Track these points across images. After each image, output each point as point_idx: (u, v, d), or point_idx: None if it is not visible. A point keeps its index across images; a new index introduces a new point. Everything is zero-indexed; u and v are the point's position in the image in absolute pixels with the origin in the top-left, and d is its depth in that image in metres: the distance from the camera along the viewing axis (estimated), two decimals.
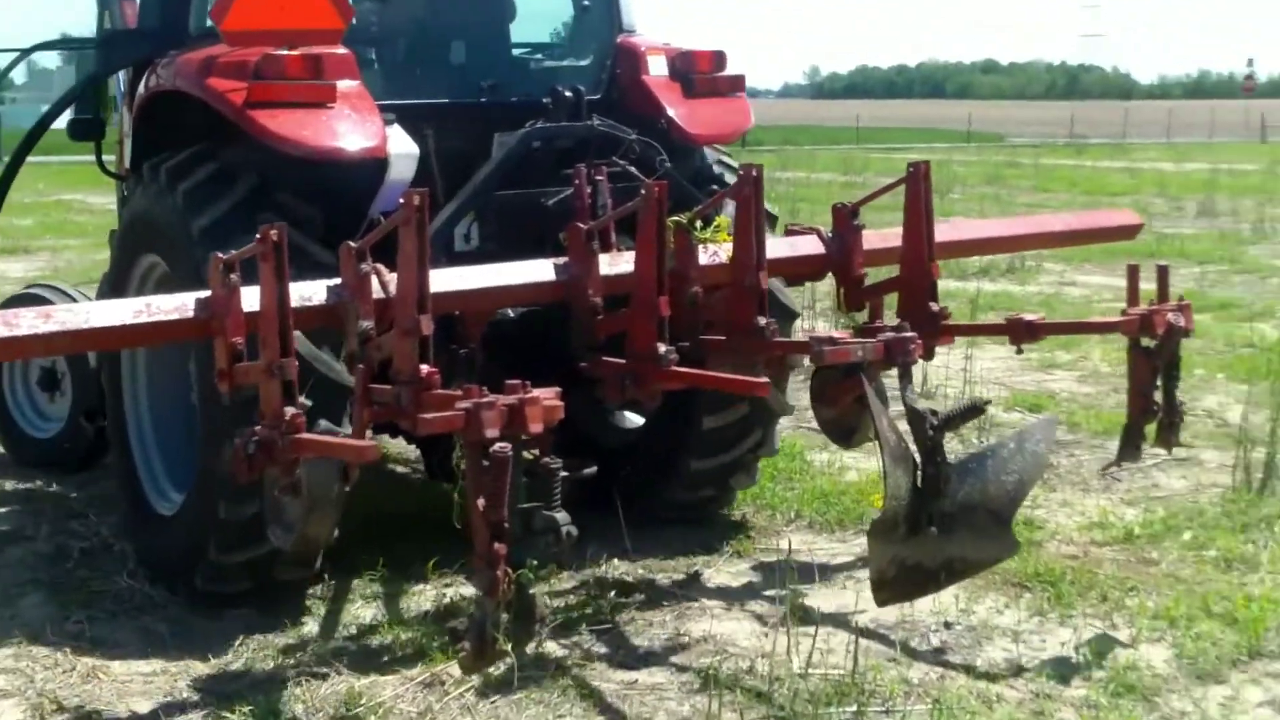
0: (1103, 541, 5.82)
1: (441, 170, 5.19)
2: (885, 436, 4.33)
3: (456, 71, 5.72)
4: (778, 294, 5.36)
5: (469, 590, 5.08)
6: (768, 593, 5.21)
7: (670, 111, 5.57)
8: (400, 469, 6.96)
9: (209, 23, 5.24)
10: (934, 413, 4.48)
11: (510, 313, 5.16)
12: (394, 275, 4.06)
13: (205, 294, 4.15)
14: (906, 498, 4.36)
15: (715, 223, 4.94)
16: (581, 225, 4.72)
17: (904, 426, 4.56)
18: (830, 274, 5.29)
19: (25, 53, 7.04)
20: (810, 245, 5.22)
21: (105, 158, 6.70)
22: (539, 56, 6.19)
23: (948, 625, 4.86)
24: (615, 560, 5.43)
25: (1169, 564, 5.52)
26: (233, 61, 4.89)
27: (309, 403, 4.03)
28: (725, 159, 5.87)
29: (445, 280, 4.33)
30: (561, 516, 3.95)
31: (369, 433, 4.21)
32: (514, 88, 5.74)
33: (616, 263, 4.76)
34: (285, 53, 4.82)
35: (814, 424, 7.08)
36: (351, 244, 4.20)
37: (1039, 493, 6.22)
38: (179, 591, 5.08)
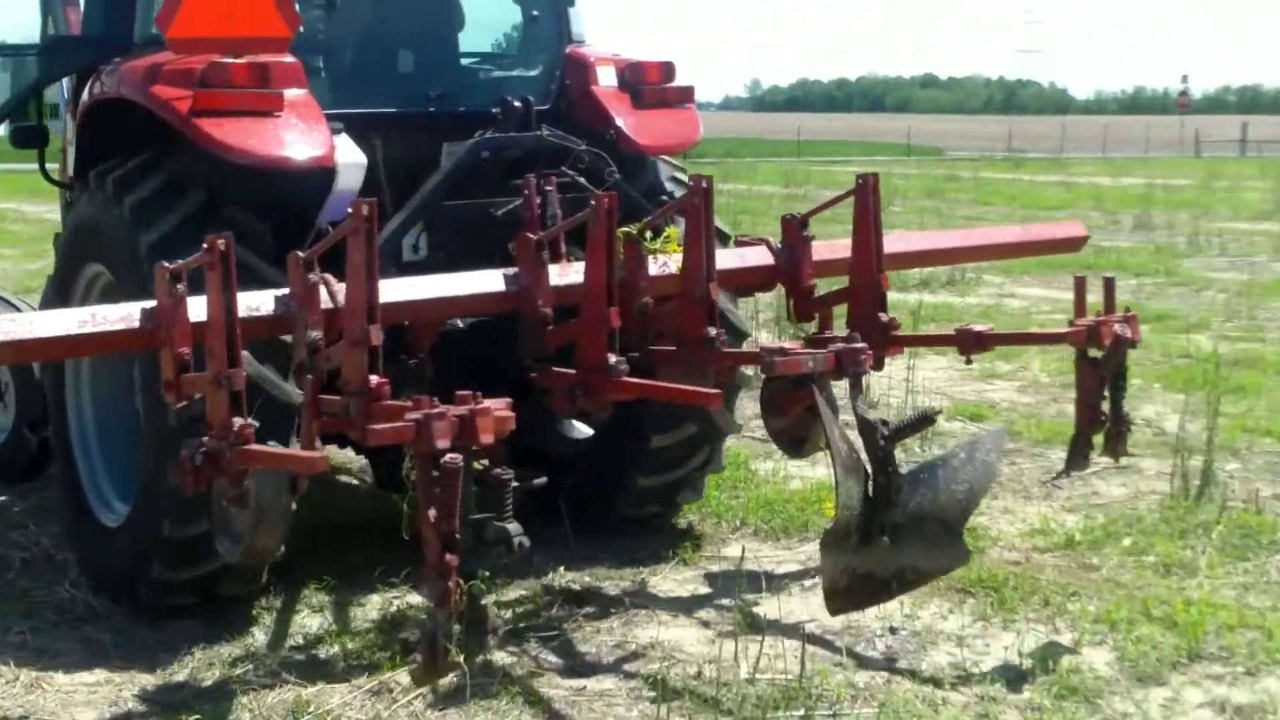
0: (1044, 548, 5.90)
1: (389, 180, 5.18)
2: (837, 447, 4.35)
3: (405, 81, 5.69)
4: (729, 315, 5.39)
5: (416, 599, 5.07)
6: (714, 600, 5.25)
7: (619, 122, 5.58)
8: (345, 478, 6.92)
9: (154, 30, 5.19)
10: (885, 423, 4.50)
11: (459, 323, 5.16)
12: (343, 285, 4.03)
13: (151, 304, 4.10)
14: (858, 508, 4.38)
15: (665, 233, 4.95)
16: (531, 236, 4.72)
17: (855, 436, 4.59)
18: (779, 285, 5.32)
19: None
20: (759, 256, 5.25)
21: (48, 165, 6.63)
22: (488, 66, 6.18)
23: (893, 630, 4.92)
24: (562, 569, 5.44)
25: (1109, 569, 5.61)
26: (178, 69, 4.85)
27: (256, 423, 4.00)
28: (675, 170, 5.89)
29: (395, 290, 4.31)
30: (513, 527, 3.95)
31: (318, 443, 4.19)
32: (462, 98, 5.74)
33: (566, 273, 4.76)
34: (232, 61, 4.78)
35: (759, 434, 7.17)
36: (300, 254, 4.18)
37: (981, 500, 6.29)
38: (122, 602, 5.03)
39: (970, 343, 5.04)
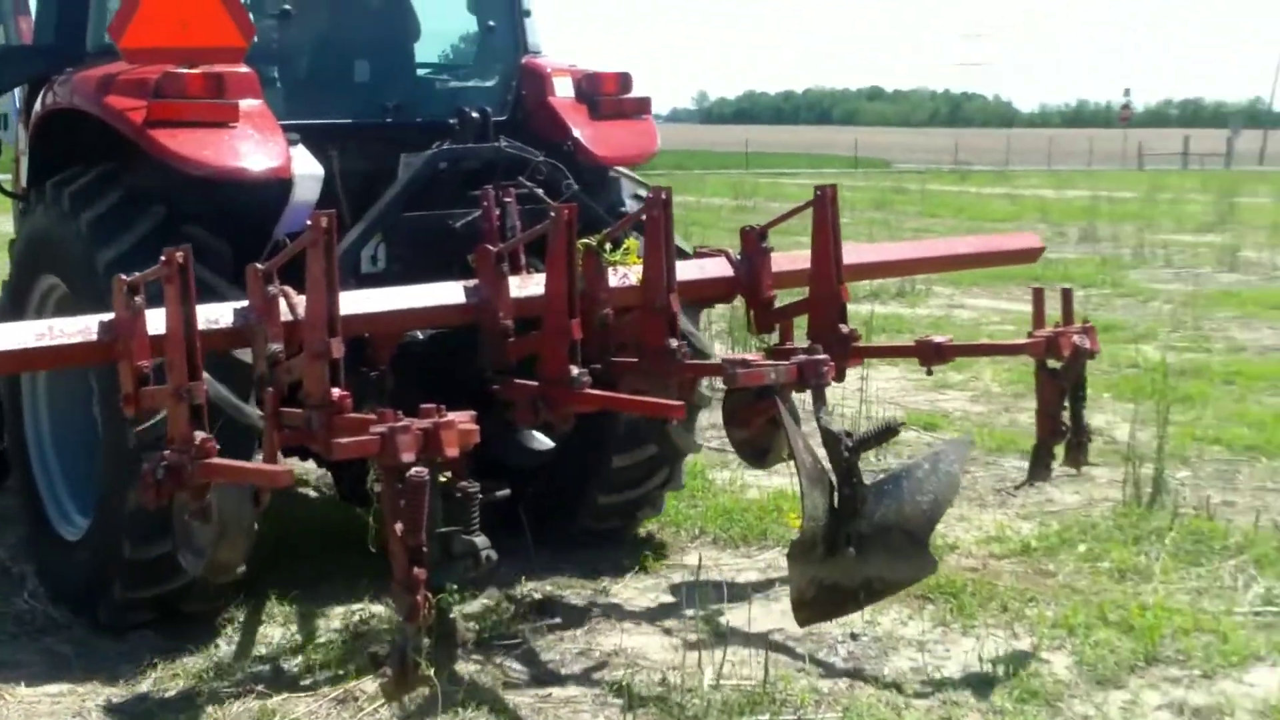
0: (1001, 554, 5.96)
1: (346, 191, 5.14)
2: (801, 458, 4.35)
3: (361, 91, 5.67)
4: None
5: (380, 610, 5.06)
6: (676, 608, 5.26)
7: (577, 133, 5.58)
8: (304, 490, 6.88)
9: (107, 39, 5.14)
10: (849, 434, 4.52)
11: (419, 335, 5.14)
12: (302, 297, 4.01)
13: (109, 317, 4.06)
14: (824, 519, 4.39)
15: (625, 245, 4.95)
16: (491, 247, 4.70)
17: (818, 448, 4.60)
18: (738, 296, 5.32)
19: None
20: (719, 268, 5.25)
21: (1, 176, 6.55)
22: (444, 77, 6.16)
23: (854, 637, 4.95)
24: (524, 578, 5.44)
25: (1065, 575, 5.67)
26: (132, 79, 4.81)
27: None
28: (633, 182, 5.87)
29: (355, 302, 4.29)
30: (481, 540, 3.94)
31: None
32: (419, 108, 5.72)
33: (526, 285, 4.75)
34: (186, 71, 4.74)
35: (715, 443, 7.20)
36: (258, 266, 4.15)
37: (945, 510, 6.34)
38: (82, 615, 4.99)
39: (930, 354, 5.08)
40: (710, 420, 5.74)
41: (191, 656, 4.70)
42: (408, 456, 3.55)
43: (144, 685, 4.50)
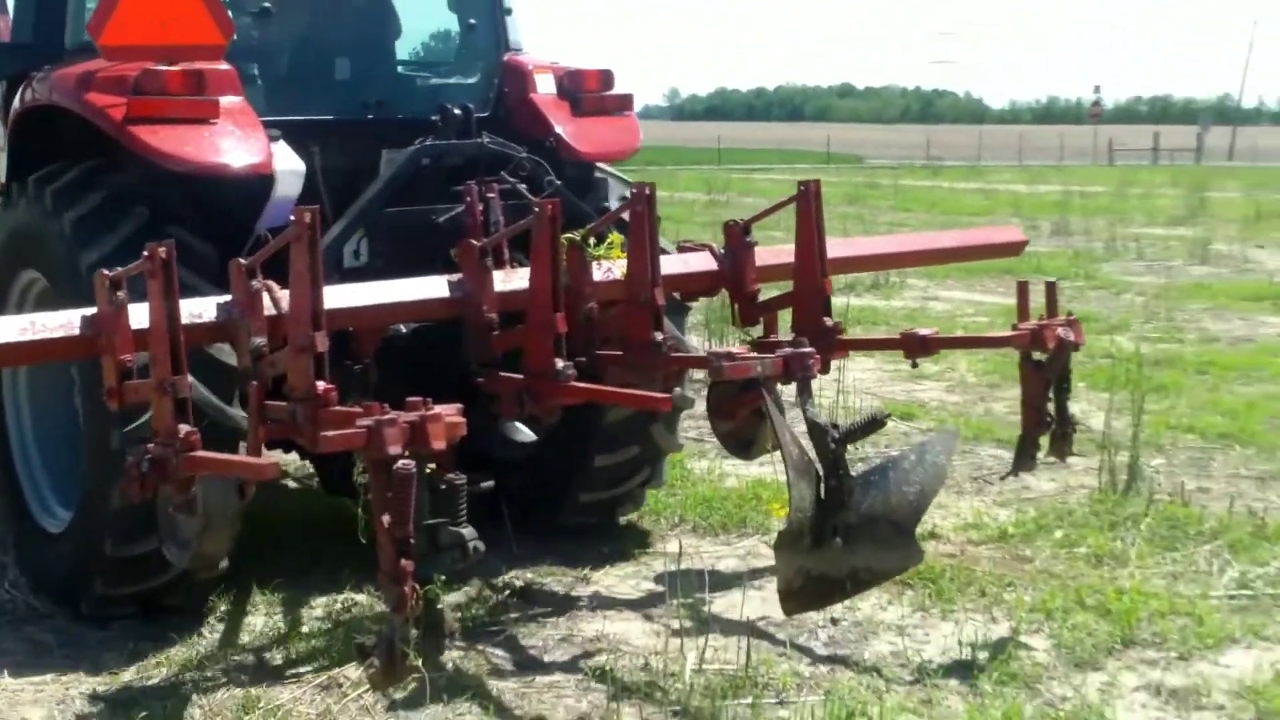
0: (979, 541, 6.02)
1: (328, 187, 5.15)
2: (788, 450, 4.35)
3: (342, 88, 5.67)
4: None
5: (362, 598, 5.10)
6: (657, 595, 5.31)
7: (559, 129, 5.60)
8: (284, 480, 6.89)
9: (85, 37, 5.14)
10: (835, 426, 4.52)
11: (403, 328, 5.16)
12: (285, 292, 4.02)
13: (91, 311, 4.06)
14: (811, 510, 4.40)
15: (608, 239, 4.97)
16: (474, 242, 4.72)
17: (804, 439, 4.62)
18: (722, 290, 5.33)
19: None
20: (703, 262, 5.27)
21: None
22: (425, 74, 6.15)
23: (834, 621, 4.99)
24: (505, 566, 5.47)
25: (1043, 561, 5.73)
26: (111, 76, 4.81)
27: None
28: (616, 177, 5.88)
29: (339, 296, 4.30)
30: (468, 532, 3.93)
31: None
32: (401, 105, 5.73)
33: (510, 279, 4.77)
34: (166, 68, 4.74)
35: (692, 433, 7.24)
36: (241, 261, 4.17)
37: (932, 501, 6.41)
38: (64, 606, 5.00)
39: (915, 346, 5.10)
40: (688, 411, 5.78)
41: (175, 645, 4.72)
42: (394, 449, 3.56)
43: (127, 674, 4.51)
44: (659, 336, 4.73)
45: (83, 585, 4.83)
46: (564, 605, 5.20)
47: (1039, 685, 4.45)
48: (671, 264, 5.12)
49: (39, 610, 5.06)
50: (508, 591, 5.28)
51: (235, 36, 5.08)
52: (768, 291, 5.36)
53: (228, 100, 4.82)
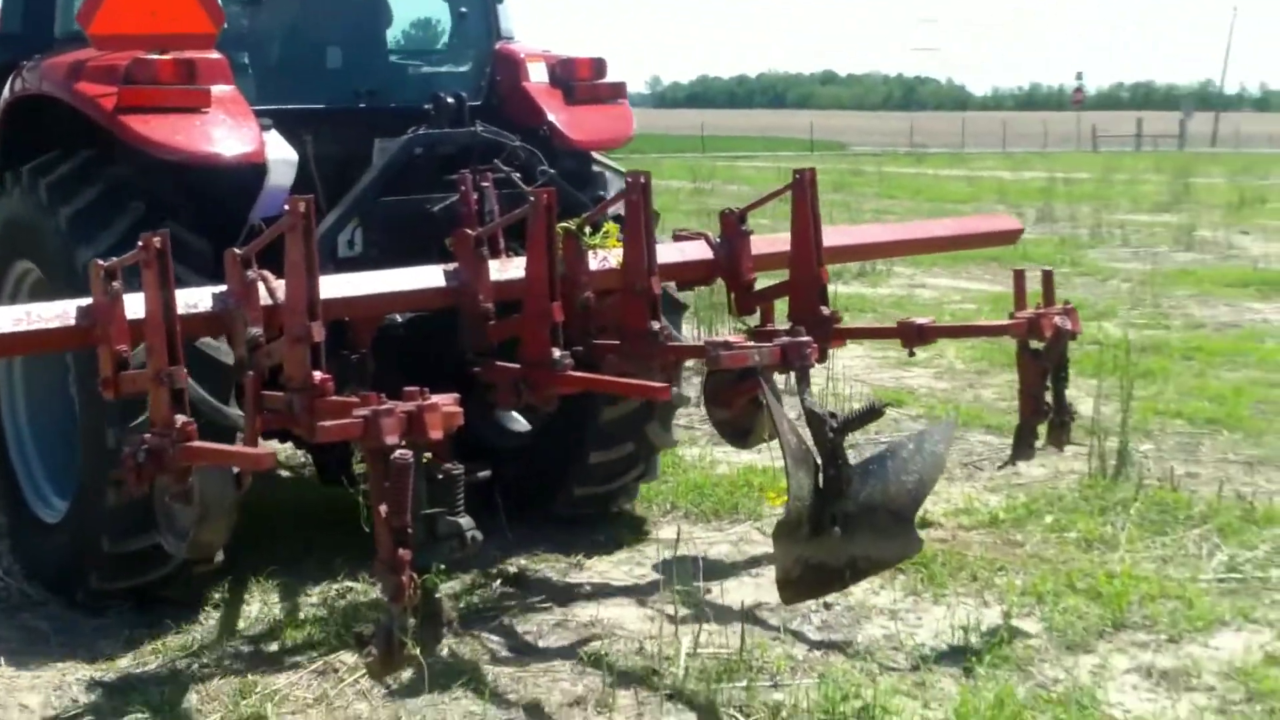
0: (969, 526, 6.06)
1: (321, 176, 5.15)
2: (786, 439, 4.34)
3: (334, 77, 5.65)
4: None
5: (357, 585, 5.12)
6: (650, 580, 5.33)
7: (552, 118, 5.59)
8: (279, 469, 6.90)
9: (75, 26, 5.12)
10: (833, 415, 4.52)
11: (398, 318, 5.16)
12: (281, 282, 4.01)
13: (87, 302, 4.05)
14: (809, 499, 4.39)
15: (604, 228, 4.96)
16: (469, 231, 4.72)
17: (802, 428, 4.62)
18: (719, 279, 5.33)
19: None
20: (699, 250, 5.27)
21: None
22: (417, 63, 6.13)
23: (827, 606, 5.01)
24: (498, 553, 5.49)
25: (1033, 545, 5.77)
26: (102, 66, 4.79)
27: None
28: (610, 166, 5.87)
29: (335, 286, 4.30)
30: (465, 521, 3.94)
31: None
32: (393, 94, 5.71)
33: (506, 268, 4.76)
34: (156, 57, 4.73)
35: (683, 421, 7.26)
36: (236, 250, 4.16)
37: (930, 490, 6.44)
38: (58, 594, 5.01)
39: (912, 335, 5.12)
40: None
41: (170, 632, 4.73)
42: (392, 439, 3.55)
43: (124, 661, 4.53)
44: (655, 326, 4.73)
45: (78, 578, 4.83)
46: (558, 591, 5.22)
47: (1031, 668, 4.49)
48: (667, 253, 5.12)
49: (33, 597, 5.07)
50: (502, 578, 5.29)
51: (225, 25, 5.07)
52: (763, 280, 5.37)
53: (219, 89, 4.81)
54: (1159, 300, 12.96)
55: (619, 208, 4.90)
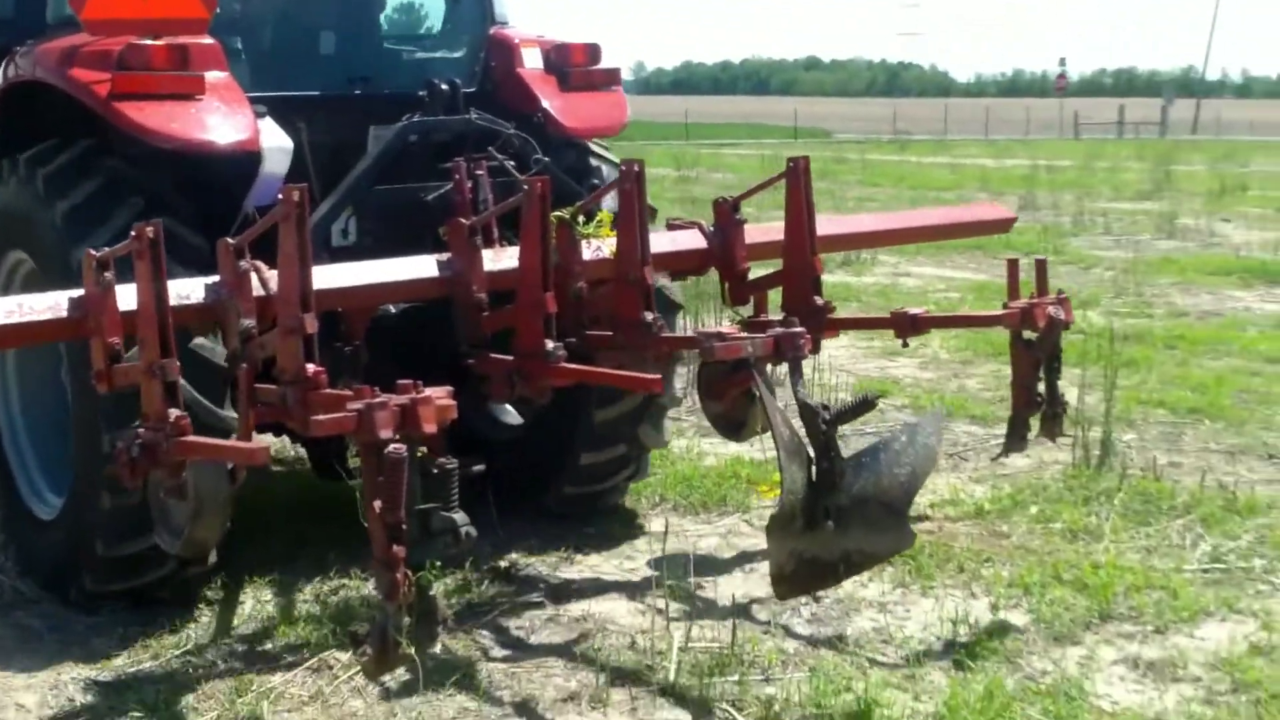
0: (956, 517, 6.09)
1: (315, 164, 5.12)
2: (779, 431, 4.31)
3: (328, 63, 5.62)
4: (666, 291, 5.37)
5: (351, 580, 5.12)
6: (641, 574, 5.35)
7: (546, 104, 5.57)
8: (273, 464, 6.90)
9: (68, 11, 5.08)
10: (826, 407, 4.50)
11: (392, 309, 5.15)
12: (274, 272, 3.99)
13: (79, 293, 4.03)
14: (802, 492, 4.36)
15: (598, 218, 4.95)
16: (463, 221, 4.71)
17: (795, 421, 4.63)
18: (712, 268, 5.32)
19: None
20: (692, 240, 5.25)
21: None
22: (411, 48, 6.09)
23: (816, 599, 5.03)
24: (490, 547, 5.49)
25: (1019, 536, 5.81)
26: (95, 51, 4.76)
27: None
28: (604, 153, 5.85)
29: (328, 277, 4.28)
30: (460, 517, 3.92)
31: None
32: (387, 80, 5.68)
33: (500, 258, 4.75)
34: (150, 43, 4.70)
35: (670, 412, 7.27)
36: (229, 240, 4.14)
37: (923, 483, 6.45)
38: (51, 592, 4.99)
39: (906, 325, 5.11)
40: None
41: (165, 630, 4.72)
42: (385, 433, 3.52)
43: (119, 659, 4.52)
44: (649, 316, 4.70)
45: (72, 578, 4.83)
46: (549, 586, 5.23)
47: (1019, 659, 4.53)
48: (661, 242, 5.10)
49: (26, 595, 5.05)
50: (493, 573, 5.29)
51: (219, 10, 5.03)
52: (757, 270, 5.37)
53: (213, 76, 4.79)
54: (1141, 288, 13.01)
55: (613, 197, 4.88)
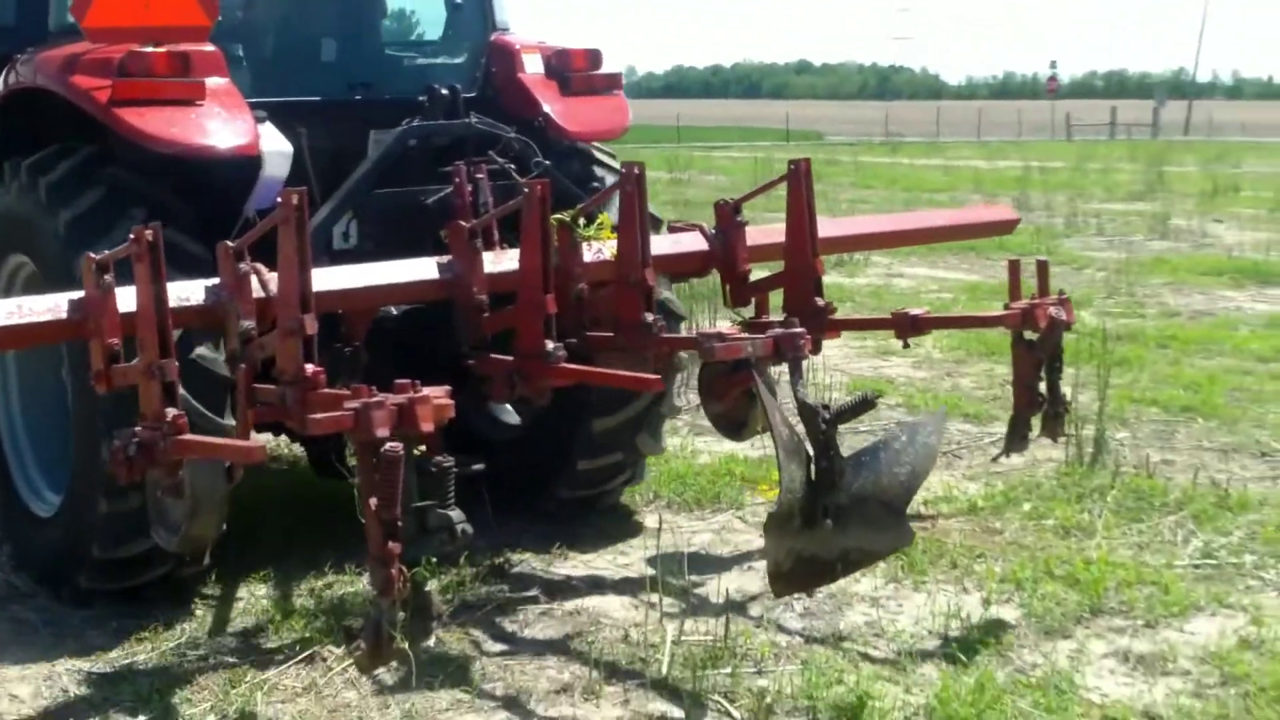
0: (949, 514, 6.15)
1: (316, 168, 5.15)
2: (779, 430, 4.31)
3: (328, 69, 5.67)
4: (669, 303, 5.40)
5: (345, 576, 5.17)
6: (634, 569, 5.40)
7: (547, 109, 5.61)
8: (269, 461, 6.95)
9: (69, 19, 5.12)
10: (826, 407, 4.51)
11: (393, 310, 5.19)
12: (274, 274, 4.03)
13: (79, 295, 4.06)
14: (801, 491, 4.37)
15: (599, 220, 4.98)
16: (464, 223, 4.74)
17: (794, 420, 4.65)
18: (714, 270, 5.36)
19: None
20: (694, 242, 5.28)
21: None
22: (412, 54, 6.14)
23: (809, 593, 5.06)
24: (484, 543, 5.52)
25: (1012, 532, 5.87)
26: (97, 59, 4.80)
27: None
28: (605, 157, 5.88)
29: (329, 279, 4.32)
30: (456, 514, 3.96)
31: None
32: (387, 85, 5.72)
33: (500, 260, 4.78)
34: (151, 50, 4.74)
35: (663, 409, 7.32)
36: (229, 243, 4.18)
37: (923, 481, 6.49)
38: (45, 587, 5.04)
39: (906, 326, 5.15)
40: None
41: (159, 623, 4.77)
42: (382, 432, 3.56)
43: (113, 652, 4.56)
44: (649, 318, 4.73)
45: (66, 576, 4.87)
46: (544, 581, 5.27)
47: (1010, 654, 4.57)
48: (662, 244, 5.11)
49: (21, 589, 5.09)
50: (488, 569, 5.33)
51: (220, 17, 5.07)
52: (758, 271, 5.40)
53: (214, 82, 4.83)
54: (1134, 289, 13.06)
55: (614, 200, 4.90)
